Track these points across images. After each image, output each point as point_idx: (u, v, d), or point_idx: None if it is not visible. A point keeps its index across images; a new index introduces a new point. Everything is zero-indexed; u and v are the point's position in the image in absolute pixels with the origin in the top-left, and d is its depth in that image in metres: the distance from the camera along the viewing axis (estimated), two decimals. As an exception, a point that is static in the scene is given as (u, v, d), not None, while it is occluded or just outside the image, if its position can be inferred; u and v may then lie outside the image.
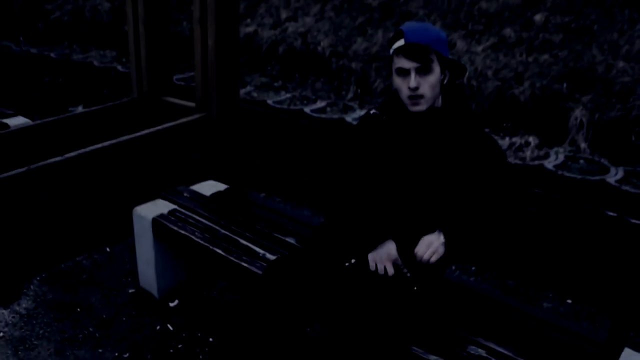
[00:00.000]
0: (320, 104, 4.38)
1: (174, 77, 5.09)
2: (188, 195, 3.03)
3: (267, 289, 1.99)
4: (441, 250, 1.92)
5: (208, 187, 3.16)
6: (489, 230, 1.96)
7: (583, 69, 3.99)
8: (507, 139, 3.89)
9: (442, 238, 1.92)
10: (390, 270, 1.95)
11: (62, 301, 2.97)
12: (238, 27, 3.73)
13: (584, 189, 3.24)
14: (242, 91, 4.71)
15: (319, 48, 4.90)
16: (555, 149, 3.64)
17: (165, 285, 3.00)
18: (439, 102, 1.97)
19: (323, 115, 4.14)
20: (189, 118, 3.71)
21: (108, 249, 3.44)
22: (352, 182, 2.09)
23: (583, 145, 3.59)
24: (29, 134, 3.74)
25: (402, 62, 1.85)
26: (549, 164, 3.48)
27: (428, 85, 1.86)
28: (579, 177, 3.26)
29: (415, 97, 1.88)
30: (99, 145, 3.21)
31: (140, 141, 3.40)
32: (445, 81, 1.94)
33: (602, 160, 3.49)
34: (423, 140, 1.96)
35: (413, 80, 1.84)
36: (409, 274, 1.96)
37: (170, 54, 4.30)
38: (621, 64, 3.95)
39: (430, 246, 1.91)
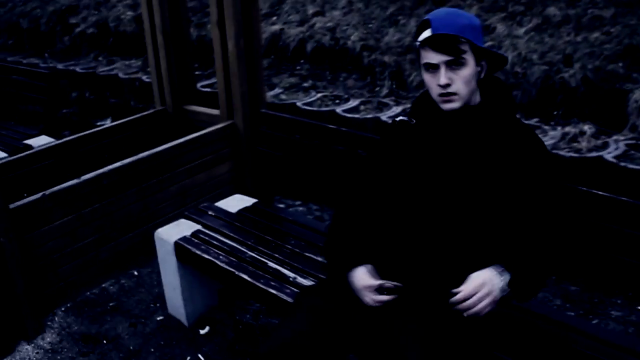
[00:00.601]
0: (353, 102, 4.12)
1: (200, 84, 4.91)
2: (213, 214, 2.81)
3: (298, 321, 1.75)
4: (498, 294, 1.57)
5: (234, 203, 2.94)
6: (554, 266, 1.69)
7: (640, 45, 3.62)
8: (558, 128, 3.55)
9: (505, 277, 1.57)
10: (377, 298, 1.69)
11: (87, 333, 2.80)
12: (259, 27, 3.50)
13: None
14: (271, 94, 4.49)
15: (349, 43, 4.64)
16: (615, 137, 3.28)
17: (195, 311, 2.80)
18: (477, 98, 1.71)
19: (356, 115, 3.88)
20: (213, 128, 3.51)
21: (136, 272, 3.27)
22: (368, 209, 1.84)
23: (646, 131, 3.22)
24: (53, 153, 3.61)
25: (430, 56, 1.61)
26: (609, 154, 3.12)
27: (461, 80, 1.61)
28: (645, 168, 2.91)
29: (448, 94, 1.63)
30: (118, 164, 3.05)
31: (161, 156, 3.22)
32: (483, 74, 1.68)
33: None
34: (459, 145, 1.69)
35: (443, 76, 1.60)
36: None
37: (192, 61, 4.12)
38: (684, 36, 3.57)
39: (484, 288, 1.55)
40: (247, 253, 2.44)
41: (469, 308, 1.54)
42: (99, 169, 3.03)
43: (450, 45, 1.58)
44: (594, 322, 2.78)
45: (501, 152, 1.64)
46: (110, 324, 2.86)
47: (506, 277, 1.56)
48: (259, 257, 2.41)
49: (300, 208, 4.09)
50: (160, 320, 2.86)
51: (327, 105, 4.16)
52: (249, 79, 3.46)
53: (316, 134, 2.92)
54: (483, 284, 1.55)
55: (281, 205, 4.06)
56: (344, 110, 3.97)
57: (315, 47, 4.88)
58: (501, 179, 1.63)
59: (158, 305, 2.97)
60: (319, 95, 4.34)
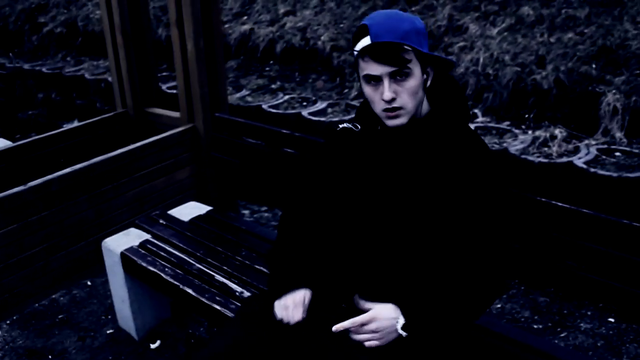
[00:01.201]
0: (320, 105, 3.99)
1: (166, 86, 4.76)
2: (164, 222, 2.68)
3: (232, 331, 1.63)
4: (387, 335, 1.45)
5: (188, 211, 2.81)
6: (470, 311, 1.51)
7: (614, 46, 3.51)
8: (529, 132, 3.43)
9: (401, 321, 1.45)
10: (297, 316, 1.57)
11: (33, 347, 2.66)
12: (220, 27, 3.38)
13: (620, 188, 2.78)
14: (237, 95, 4.36)
15: (319, 43, 4.51)
16: (586, 141, 3.18)
17: (145, 325, 2.67)
18: (424, 108, 1.56)
19: (322, 118, 3.75)
20: (172, 131, 3.38)
21: (89, 282, 3.13)
22: (311, 220, 1.72)
23: (618, 134, 3.11)
24: (5, 157, 3.46)
25: (371, 67, 1.44)
26: (579, 160, 3.01)
27: (407, 93, 1.45)
28: (615, 174, 2.80)
29: (393, 109, 1.47)
30: (69, 170, 2.90)
31: (116, 160, 3.08)
32: (429, 82, 1.53)
33: (642, 151, 3.02)
34: (402, 159, 1.55)
35: (387, 90, 1.43)
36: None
37: (154, 62, 3.98)
38: (658, 38, 3.47)
39: (372, 324, 1.45)
40: (194, 265, 2.32)
41: (357, 339, 1.48)
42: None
43: (393, 54, 1.41)
44: (562, 334, 2.68)
45: (444, 168, 1.51)
46: (58, 337, 2.72)
47: (401, 321, 1.45)
48: (207, 270, 2.28)
49: (266, 214, 3.96)
50: (110, 333, 2.73)
51: (293, 108, 4.03)
52: (210, 81, 3.33)
53: (275, 139, 2.79)
54: (373, 319, 1.45)
55: (246, 212, 3.94)
56: (310, 113, 3.84)
57: (285, 48, 4.75)
58: (441, 197, 1.50)
59: (109, 317, 2.84)
60: (286, 97, 4.21)
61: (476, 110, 3.57)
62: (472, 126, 3.58)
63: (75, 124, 5.55)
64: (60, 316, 2.87)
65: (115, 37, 3.71)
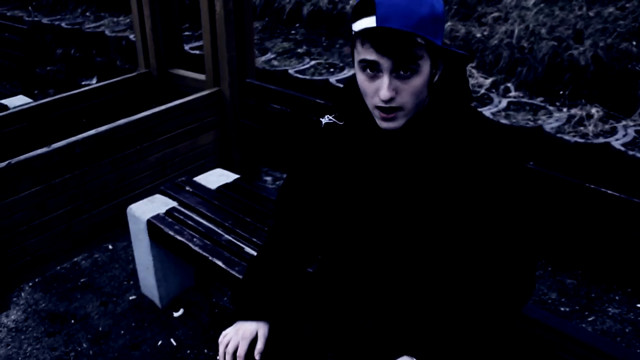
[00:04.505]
0: (348, 72, 3.88)
1: (189, 46, 4.66)
2: (190, 190, 2.63)
3: None
4: None
5: (214, 178, 2.76)
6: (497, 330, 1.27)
7: (656, 23, 3.38)
8: (564, 110, 3.33)
9: None
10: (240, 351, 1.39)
11: (55, 311, 2.65)
12: (250, -12, 3.26)
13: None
14: (262, 59, 4.25)
15: (347, 8, 4.37)
16: (624, 122, 3.07)
17: (169, 293, 2.64)
18: (424, 104, 1.27)
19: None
20: (197, 95, 3.30)
21: (110, 247, 3.11)
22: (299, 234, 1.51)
23: (658, 116, 3.01)
24: (28, 116, 3.40)
25: (370, 55, 1.15)
26: (617, 141, 2.91)
27: (409, 92, 1.17)
28: (657, 159, 2.71)
29: (389, 110, 1.19)
30: (92, 132, 2.85)
31: (140, 124, 3.02)
32: (437, 77, 1.25)
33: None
34: (401, 166, 1.30)
35: (386, 88, 1.15)
36: None
37: (179, 20, 3.87)
38: None
39: None
40: (223, 236, 2.27)
41: None
42: (75, 134, 2.84)
43: (401, 47, 1.11)
44: (590, 318, 2.63)
45: (447, 170, 1.26)
46: (80, 302, 2.71)
47: None
48: (236, 242, 2.23)
49: (289, 181, 3.91)
50: (132, 300, 2.71)
51: (320, 74, 3.93)
52: (238, 44, 3.23)
53: (303, 107, 2.71)
54: None
55: (268, 178, 3.88)
56: (338, 81, 3.74)
57: (312, 11, 4.61)
58: (446, 202, 1.27)
59: (132, 283, 2.82)
60: (313, 62, 4.10)
61: (509, 84, 3.46)
62: (504, 101, 3.49)
63: (95, 82, 5.51)
64: (82, 280, 2.85)
65: (140, -6, 3.61)
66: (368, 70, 1.18)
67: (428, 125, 1.27)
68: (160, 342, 2.46)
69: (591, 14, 3.54)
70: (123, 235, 3.14)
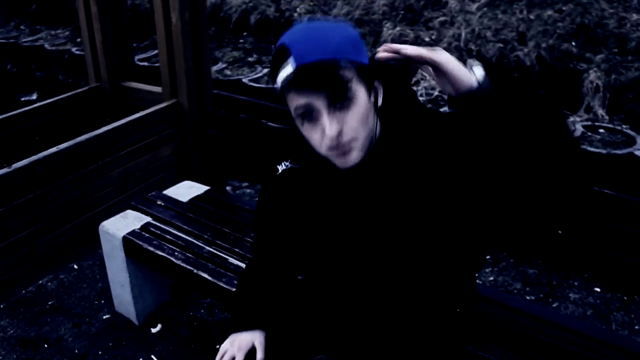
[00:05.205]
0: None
1: (136, 58, 4.57)
2: (162, 204, 2.60)
3: None
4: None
5: (184, 191, 2.74)
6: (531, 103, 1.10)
7: (592, 24, 3.60)
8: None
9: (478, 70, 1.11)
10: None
11: (25, 337, 2.55)
12: (205, -1, 3.25)
13: (611, 165, 2.88)
14: (214, 68, 4.24)
15: (295, 15, 4.42)
16: (571, 118, 3.26)
17: (145, 309, 2.61)
18: (377, 131, 1.22)
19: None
20: (156, 107, 3.27)
21: (76, 266, 3.02)
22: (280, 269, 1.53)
23: (601, 112, 3.21)
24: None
25: (301, 98, 1.11)
26: (567, 137, 3.09)
27: (355, 122, 1.13)
28: (605, 151, 2.89)
29: (342, 146, 1.14)
30: (54, 149, 2.77)
31: (102, 139, 2.96)
32: (380, 100, 1.20)
33: (624, 128, 3.12)
34: (374, 194, 1.27)
35: (329, 125, 1.11)
36: None
37: (129, 33, 3.81)
38: (634, 16, 3.57)
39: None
40: (204, 248, 2.27)
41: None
42: (29, 152, 2.75)
43: (327, 76, 1.08)
44: (554, 305, 2.78)
45: (419, 176, 1.23)
46: (51, 325, 2.62)
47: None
48: (218, 253, 2.23)
49: (248, 190, 3.91)
50: (106, 319, 2.65)
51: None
52: (194, 55, 3.22)
53: (265, 114, 2.72)
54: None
55: (227, 188, 3.87)
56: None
57: (260, 19, 4.63)
58: (433, 203, 1.24)
59: (103, 302, 2.76)
60: (266, 70, 4.12)
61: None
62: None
63: (35, 97, 5.31)
64: (50, 302, 2.76)
65: (90, 7, 3.52)
66: (307, 120, 1.14)
67: (387, 152, 1.23)
68: (140, 360, 2.42)
69: (532, 16, 3.74)
70: (88, 253, 3.06)
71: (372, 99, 1.17)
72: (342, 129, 1.12)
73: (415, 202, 1.24)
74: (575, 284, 2.93)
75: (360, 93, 1.13)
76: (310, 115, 1.13)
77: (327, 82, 1.08)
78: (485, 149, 1.11)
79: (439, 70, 1.09)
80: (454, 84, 1.09)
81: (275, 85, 1.16)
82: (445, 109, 3.49)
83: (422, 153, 1.22)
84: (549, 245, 3.02)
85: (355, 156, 1.17)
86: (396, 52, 1.09)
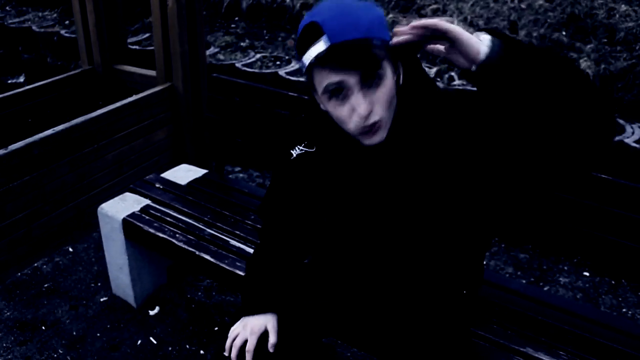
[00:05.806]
0: (295, 64, 3.94)
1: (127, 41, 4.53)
2: (161, 186, 2.60)
3: None
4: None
5: (182, 174, 2.74)
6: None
7: (582, 15, 3.66)
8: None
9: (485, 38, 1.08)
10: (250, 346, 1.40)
11: (22, 319, 2.55)
12: (201, -19, 3.24)
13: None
14: (207, 52, 4.22)
15: (287, 0, 4.42)
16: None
17: (143, 292, 2.61)
18: (395, 110, 1.24)
19: (301, 79, 3.71)
20: (151, 90, 3.26)
21: (71, 249, 3.01)
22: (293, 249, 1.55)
23: (591, 100, 3.26)
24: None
25: (333, 76, 1.12)
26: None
27: (384, 100, 1.16)
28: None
29: (372, 124, 1.16)
30: (50, 132, 2.76)
31: (97, 122, 2.95)
32: (401, 80, 1.22)
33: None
34: (396, 174, 1.29)
35: (363, 104, 1.13)
36: None
37: (122, 15, 3.78)
38: (623, 7, 3.63)
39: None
40: (205, 230, 2.28)
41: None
42: (21, 135, 2.74)
43: (362, 55, 1.09)
44: (545, 288, 2.85)
45: (443, 152, 1.25)
46: (48, 307, 2.62)
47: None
48: (220, 235, 2.25)
49: (241, 175, 3.92)
50: (104, 301, 2.65)
51: (267, 67, 3.96)
52: (190, 38, 3.21)
53: (260, 98, 2.73)
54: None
55: (235, 171, 3.88)
56: (287, 73, 3.79)
57: (252, 4, 4.62)
58: (458, 177, 1.25)
59: (99, 284, 2.76)
60: (259, 55, 4.12)
61: (453, 74, 3.64)
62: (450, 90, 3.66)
63: (22, 79, 5.24)
64: (46, 285, 2.76)
65: (83, -12, 3.49)
66: (337, 96, 1.15)
67: (409, 130, 1.25)
68: (139, 342, 2.43)
69: (523, 6, 3.79)
70: (82, 236, 3.06)
71: (395, 79, 1.19)
72: (373, 108, 1.15)
73: (438, 176, 1.26)
74: (565, 268, 3.00)
75: (388, 72, 1.15)
76: (340, 92, 1.15)
77: (361, 60, 1.10)
78: (514, 114, 1.09)
79: (454, 42, 1.07)
80: (468, 55, 1.07)
81: (301, 62, 1.16)
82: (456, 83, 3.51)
83: (443, 129, 1.24)
84: (539, 231, 3.09)
85: (381, 135, 1.19)
86: (420, 27, 1.07)
